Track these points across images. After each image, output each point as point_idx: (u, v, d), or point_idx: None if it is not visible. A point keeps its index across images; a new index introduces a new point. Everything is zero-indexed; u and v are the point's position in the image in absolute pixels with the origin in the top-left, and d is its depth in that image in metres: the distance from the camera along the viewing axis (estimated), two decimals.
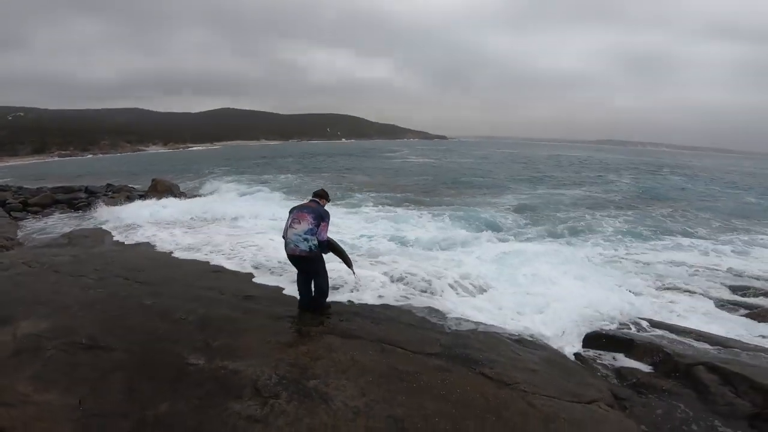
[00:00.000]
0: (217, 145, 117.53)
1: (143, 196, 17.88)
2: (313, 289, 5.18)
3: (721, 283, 7.97)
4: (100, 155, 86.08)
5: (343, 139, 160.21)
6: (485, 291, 6.69)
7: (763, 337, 5.54)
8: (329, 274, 5.28)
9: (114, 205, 14.48)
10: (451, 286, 6.70)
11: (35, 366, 3.64)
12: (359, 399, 3.36)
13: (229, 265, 7.46)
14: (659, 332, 5.37)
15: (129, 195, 18.82)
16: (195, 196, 18.30)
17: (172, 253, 8.41)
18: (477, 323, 5.32)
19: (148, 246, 9.08)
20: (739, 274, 8.66)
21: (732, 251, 10.62)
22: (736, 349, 4.78)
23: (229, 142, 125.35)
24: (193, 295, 5.65)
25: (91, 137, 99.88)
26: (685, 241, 11.73)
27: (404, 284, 6.69)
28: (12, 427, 2.92)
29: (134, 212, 12.82)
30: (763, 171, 48.67)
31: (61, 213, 15.30)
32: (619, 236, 12.32)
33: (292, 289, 5.97)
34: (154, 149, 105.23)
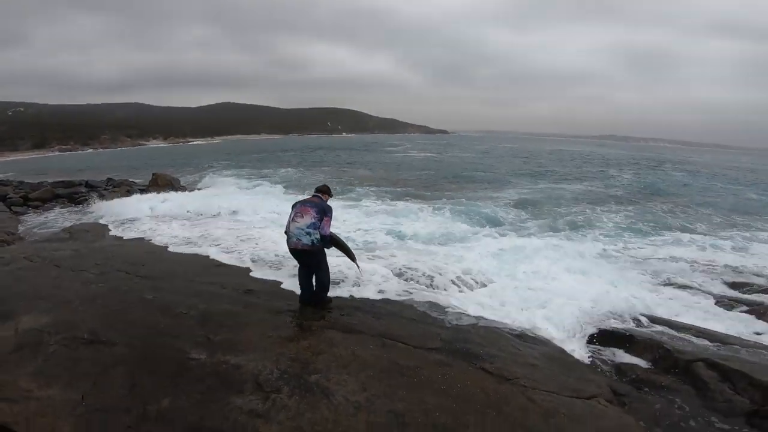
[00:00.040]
0: (217, 140, 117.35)
1: (144, 191, 17.89)
2: (314, 283, 5.20)
3: (721, 280, 7.95)
4: (101, 150, 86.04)
5: (344, 134, 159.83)
6: (486, 286, 6.69)
7: (763, 334, 5.54)
8: (330, 269, 5.29)
9: (113, 200, 14.49)
10: (453, 282, 6.70)
11: (37, 361, 3.66)
12: (360, 394, 3.37)
13: (230, 259, 7.47)
14: (659, 328, 5.37)
15: (129, 189, 18.85)
16: (195, 190, 18.30)
17: (172, 247, 8.42)
18: (478, 318, 5.33)
19: (148, 240, 9.08)
20: (739, 271, 8.63)
21: (732, 247, 10.59)
22: (735, 346, 4.79)
23: (229, 137, 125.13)
24: (193, 289, 5.66)
25: (91, 132, 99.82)
26: (686, 236, 11.70)
27: (405, 279, 6.70)
28: (15, 423, 2.94)
29: (135, 206, 12.83)
30: (764, 167, 48.54)
31: (61, 207, 15.33)
32: (620, 231, 12.33)
33: (290, 283, 6.00)
34: (154, 144, 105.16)
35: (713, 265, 8.95)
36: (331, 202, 5.29)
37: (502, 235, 10.85)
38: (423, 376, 3.69)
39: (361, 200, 16.19)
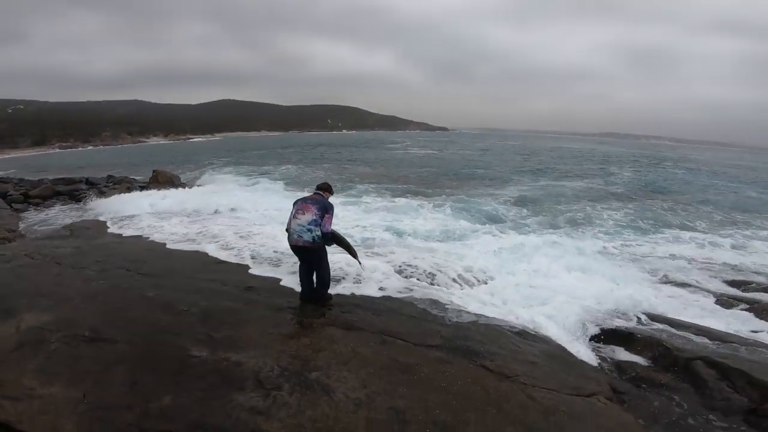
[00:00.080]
0: (217, 137, 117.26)
1: (144, 188, 17.90)
2: (315, 280, 5.21)
3: (721, 278, 7.96)
4: (101, 147, 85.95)
5: (344, 131, 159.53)
6: (487, 283, 6.71)
7: (762, 332, 5.54)
8: (331, 266, 5.31)
9: (114, 197, 14.51)
10: (455, 280, 6.72)
11: (39, 359, 3.67)
12: (361, 391, 3.39)
13: (229, 256, 7.48)
14: (659, 326, 5.39)
15: (130, 186, 18.86)
16: (195, 186, 18.30)
17: (172, 244, 8.43)
18: (478, 315, 5.34)
19: (149, 237, 9.10)
20: (739, 269, 8.64)
21: (732, 245, 10.58)
22: (734, 344, 4.80)
23: (229, 134, 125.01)
24: (194, 286, 5.68)
25: (91, 129, 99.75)
26: (686, 234, 11.70)
27: (405, 276, 6.70)
28: (17, 421, 2.95)
29: (135, 203, 12.85)
30: (765, 165, 48.43)
31: (62, 205, 15.34)
32: (620, 229, 12.33)
33: (289, 280, 6.01)
34: (154, 141, 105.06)
35: (713, 263, 8.96)
36: (332, 199, 5.30)
37: (503, 233, 10.85)
38: (423, 374, 3.70)
39: (361, 197, 16.19)
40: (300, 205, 5.00)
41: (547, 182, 23.41)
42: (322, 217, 4.89)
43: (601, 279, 7.03)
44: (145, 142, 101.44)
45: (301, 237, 4.85)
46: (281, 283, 6.06)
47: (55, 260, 6.66)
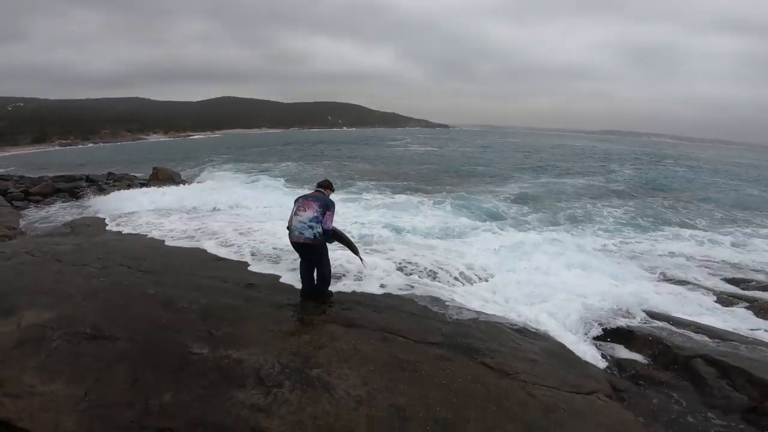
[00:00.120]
0: (217, 134, 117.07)
1: (145, 185, 17.90)
2: (315, 277, 5.22)
3: (721, 276, 7.97)
4: (101, 144, 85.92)
5: (345, 128, 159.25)
6: (487, 281, 6.71)
7: (762, 330, 5.55)
8: (332, 263, 5.32)
9: (114, 194, 14.51)
10: (455, 277, 6.72)
11: (40, 356, 3.67)
12: (361, 388, 3.39)
13: (229, 253, 7.47)
14: (658, 324, 5.39)
15: (130, 183, 18.84)
16: (195, 183, 18.30)
17: (172, 241, 8.43)
18: (478, 312, 5.35)
19: (149, 234, 9.09)
20: (738, 267, 8.65)
21: (732, 243, 10.58)
22: (734, 342, 4.80)
23: (229, 131, 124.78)
24: (194, 283, 5.68)
25: (91, 126, 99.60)
26: (686, 232, 11.70)
27: (406, 273, 6.71)
28: (19, 419, 2.96)
29: (135, 200, 12.86)
30: (766, 163, 48.37)
31: (62, 202, 15.36)
32: (620, 226, 12.33)
33: (289, 277, 6.02)
34: (154, 138, 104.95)
35: (713, 261, 8.96)
36: (332, 196, 5.30)
37: (503, 230, 10.85)
38: (424, 371, 3.71)
39: (361, 194, 16.17)
40: (301, 203, 5.01)
41: (547, 179, 23.39)
42: (323, 214, 4.89)
43: (601, 276, 7.03)
44: (145, 139, 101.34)
45: (303, 234, 4.86)
46: (281, 280, 6.07)
47: (56, 257, 6.66)
